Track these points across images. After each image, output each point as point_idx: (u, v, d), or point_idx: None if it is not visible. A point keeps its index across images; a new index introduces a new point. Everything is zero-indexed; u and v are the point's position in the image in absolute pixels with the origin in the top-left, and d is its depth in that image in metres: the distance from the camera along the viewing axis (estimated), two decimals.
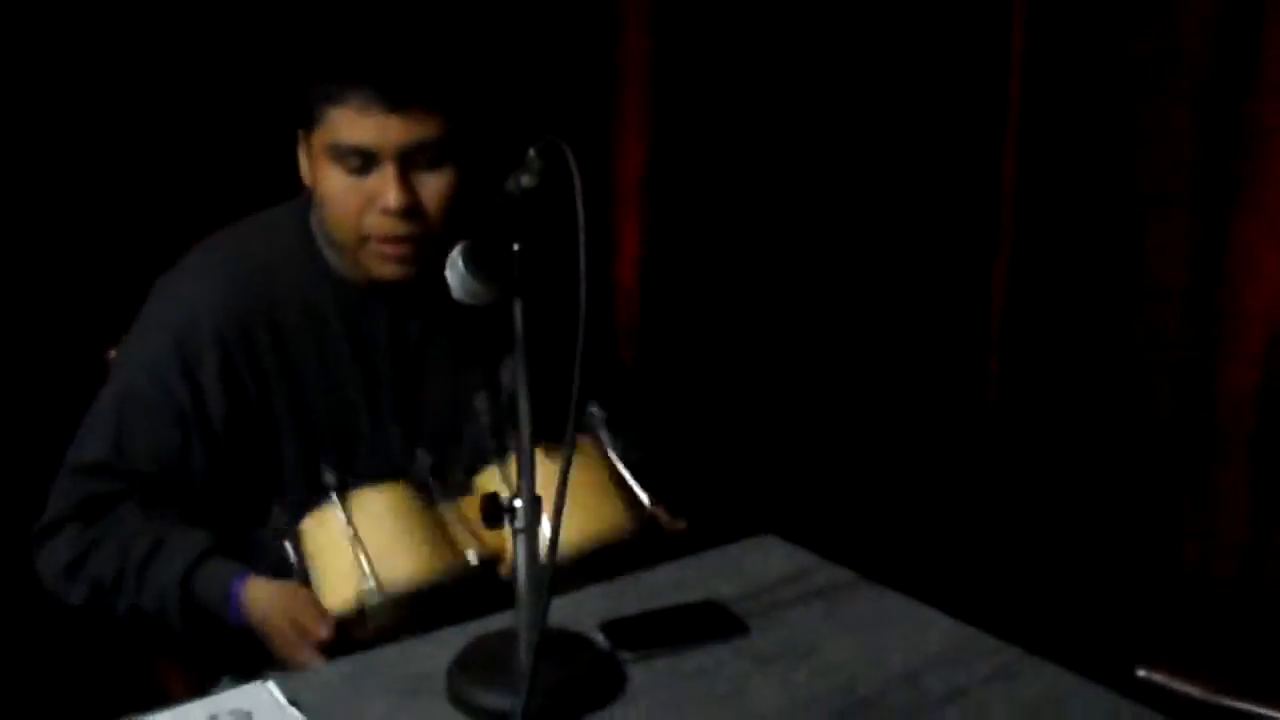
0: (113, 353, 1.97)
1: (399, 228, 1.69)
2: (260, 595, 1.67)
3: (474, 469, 1.76)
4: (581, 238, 1.24)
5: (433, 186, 1.69)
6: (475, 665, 1.43)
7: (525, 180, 1.32)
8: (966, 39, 2.97)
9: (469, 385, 1.83)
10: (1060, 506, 3.01)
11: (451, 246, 1.42)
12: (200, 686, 1.80)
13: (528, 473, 1.38)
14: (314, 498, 1.66)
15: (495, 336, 1.75)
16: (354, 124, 1.66)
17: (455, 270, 1.41)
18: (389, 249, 1.71)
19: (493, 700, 1.38)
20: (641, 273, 2.80)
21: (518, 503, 1.38)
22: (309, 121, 1.70)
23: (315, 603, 1.62)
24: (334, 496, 1.62)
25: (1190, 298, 2.75)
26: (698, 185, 2.83)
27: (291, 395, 1.77)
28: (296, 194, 1.83)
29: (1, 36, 2.17)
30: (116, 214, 2.32)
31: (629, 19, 2.71)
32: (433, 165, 1.69)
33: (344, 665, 1.50)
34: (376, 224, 1.69)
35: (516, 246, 1.35)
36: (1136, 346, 2.87)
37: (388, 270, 1.73)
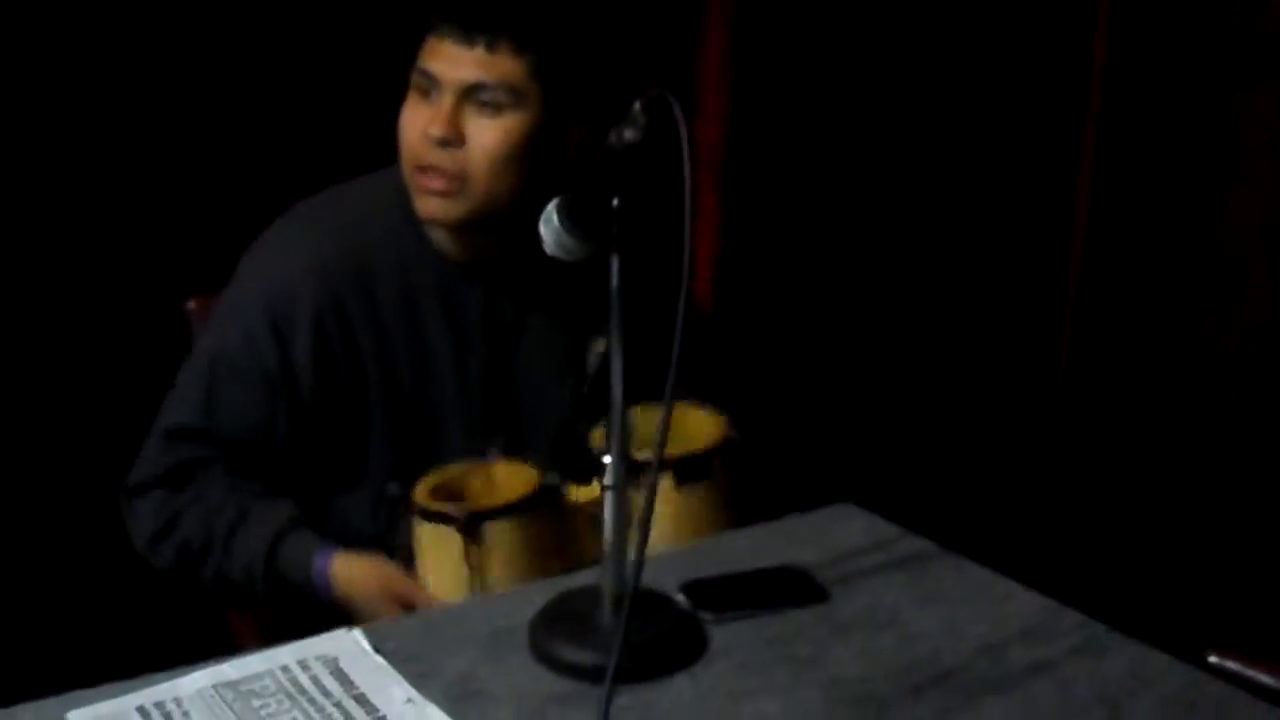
0: (191, 304, 1.98)
1: (434, 157, 1.69)
2: (349, 570, 1.68)
3: (555, 453, 1.78)
4: (688, 194, 1.23)
5: (485, 130, 1.69)
6: (559, 620, 1.43)
7: (629, 135, 1.31)
8: (1050, 19, 2.95)
9: (558, 370, 1.83)
10: (1130, 486, 3.00)
11: (517, 210, 1.41)
12: (267, 634, 1.82)
13: (618, 431, 1.38)
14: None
15: (587, 323, 1.76)
16: (433, 50, 1.69)
17: (550, 225, 1.39)
18: (422, 179, 1.71)
19: (576, 655, 1.38)
20: (718, 241, 2.79)
21: (607, 459, 1.38)
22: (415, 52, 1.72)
23: (406, 575, 1.64)
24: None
25: (1269, 275, 2.74)
26: (776, 158, 2.82)
27: (382, 368, 1.77)
28: (388, 162, 1.83)
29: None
30: (198, 167, 2.32)
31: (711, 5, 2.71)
32: (492, 110, 1.69)
33: (428, 616, 1.51)
34: (421, 149, 1.70)
35: (616, 202, 1.34)
36: (1211, 320, 2.86)
37: (425, 207, 1.73)
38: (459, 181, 1.70)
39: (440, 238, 1.78)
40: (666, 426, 1.27)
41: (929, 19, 2.90)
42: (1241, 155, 2.81)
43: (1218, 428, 2.87)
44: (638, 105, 1.31)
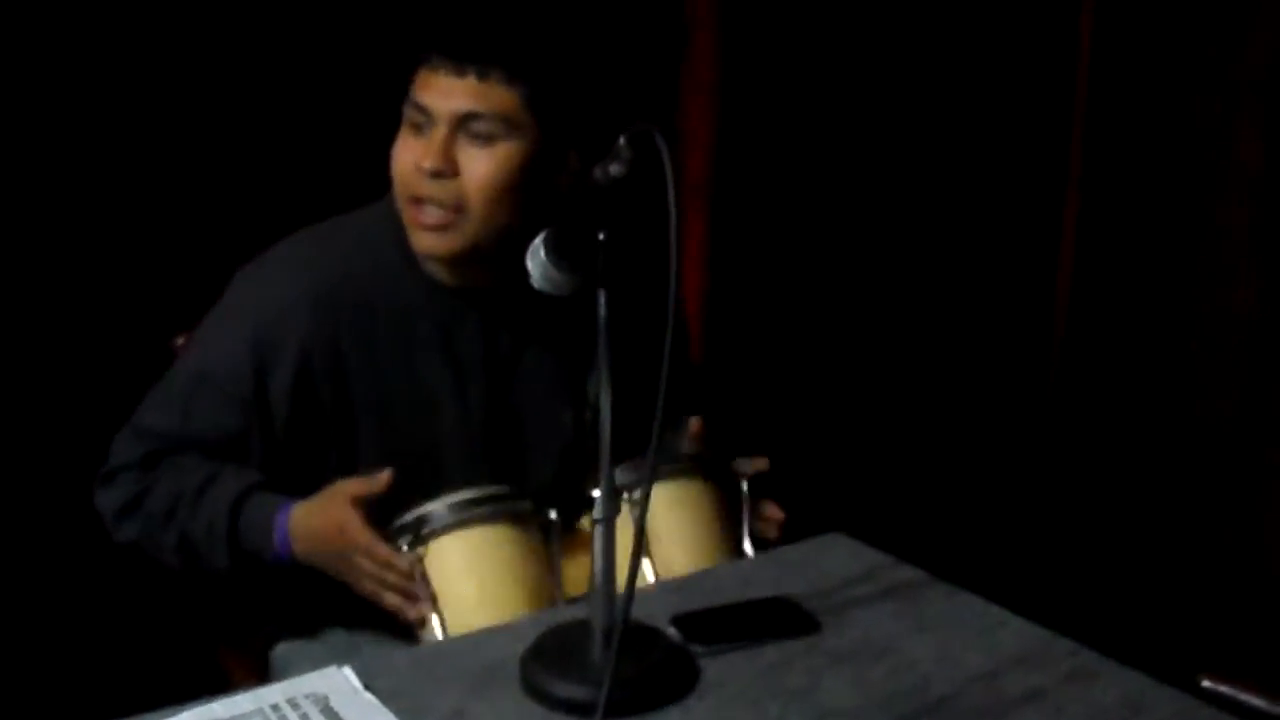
0: (180, 340, 1.98)
1: (428, 188, 1.68)
2: (309, 521, 1.68)
3: (559, 480, 1.79)
4: (673, 227, 1.23)
5: (479, 161, 1.68)
6: (549, 655, 1.43)
7: (614, 169, 1.32)
8: (1037, 30, 2.97)
9: (557, 397, 1.83)
10: (1121, 512, 3.00)
11: (513, 240, 1.42)
12: (261, 672, 1.82)
13: (607, 464, 1.38)
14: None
15: (585, 350, 1.76)
16: (425, 82, 1.69)
17: (536, 259, 1.41)
18: (417, 213, 1.71)
19: (567, 690, 1.37)
20: (706, 271, 2.79)
21: (596, 493, 1.38)
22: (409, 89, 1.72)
23: (354, 514, 1.63)
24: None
25: (1258, 289, 2.75)
26: (761, 185, 2.83)
27: (376, 399, 1.77)
28: (383, 195, 1.83)
29: (86, 27, 2.19)
30: (186, 204, 2.33)
31: (697, 20, 2.71)
32: (485, 140, 1.68)
33: (418, 653, 1.50)
34: (414, 183, 1.70)
35: (602, 236, 1.34)
36: (1201, 350, 2.86)
37: (421, 241, 1.72)
38: (454, 214, 1.69)
39: (435, 268, 1.78)
40: (657, 443, 1.26)
41: (913, 45, 2.92)
42: (1225, 166, 2.82)
43: (1207, 456, 2.88)
44: (623, 140, 1.31)
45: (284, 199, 2.27)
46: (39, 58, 2.17)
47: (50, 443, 2.28)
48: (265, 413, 1.74)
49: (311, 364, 1.74)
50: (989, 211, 3.05)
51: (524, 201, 1.71)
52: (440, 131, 1.68)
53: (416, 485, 1.79)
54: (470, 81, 1.67)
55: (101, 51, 2.21)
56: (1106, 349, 3.03)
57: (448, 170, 1.68)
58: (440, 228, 1.70)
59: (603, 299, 1.35)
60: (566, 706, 1.37)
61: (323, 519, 1.67)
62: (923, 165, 2.98)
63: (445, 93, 1.67)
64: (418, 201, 1.70)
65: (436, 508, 1.64)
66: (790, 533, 1.78)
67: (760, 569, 1.68)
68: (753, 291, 2.87)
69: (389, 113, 1.75)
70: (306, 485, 1.77)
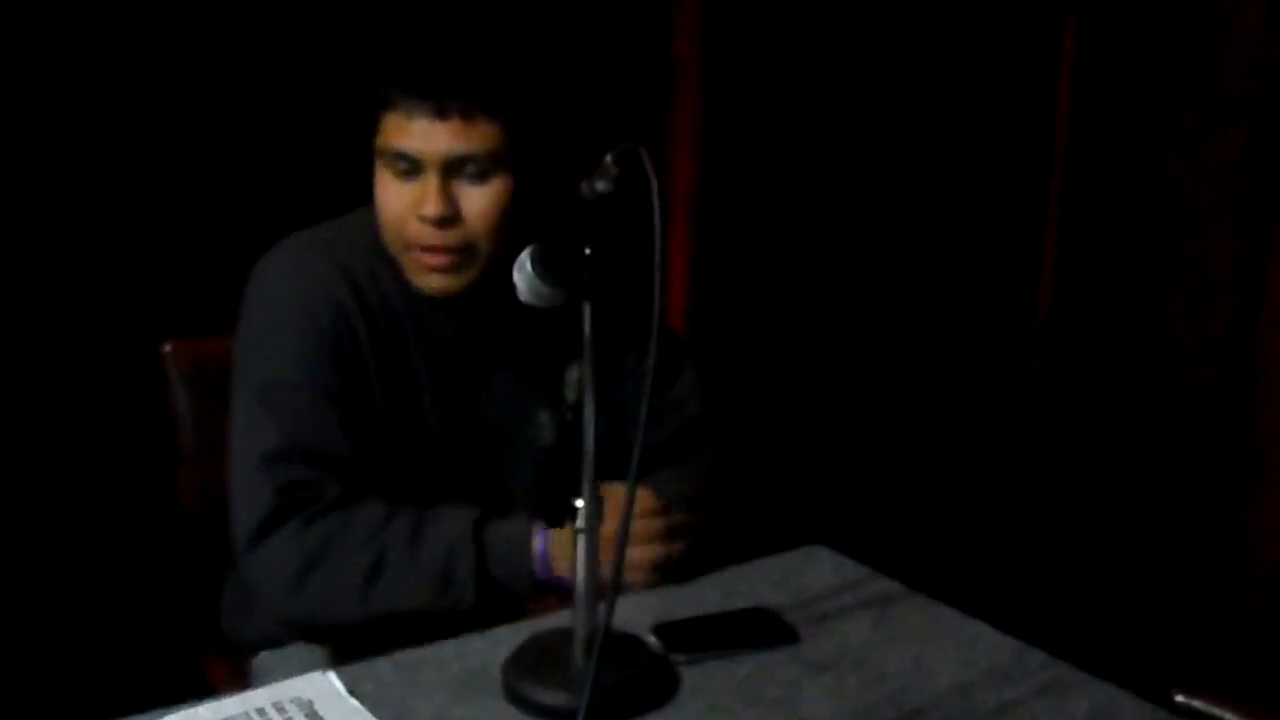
0: (167, 347, 1.99)
1: (435, 237, 1.69)
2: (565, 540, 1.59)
3: (541, 484, 1.78)
4: (658, 243, 1.26)
5: (477, 199, 1.69)
6: (531, 662, 1.45)
7: (601, 185, 1.34)
8: (1019, 43, 3.00)
9: (534, 396, 1.84)
10: (1097, 525, 3.02)
11: (511, 258, 1.44)
12: (243, 679, 1.83)
13: (590, 475, 1.40)
14: None
15: (562, 350, 1.77)
16: (402, 129, 1.66)
17: (523, 272, 1.43)
18: (426, 258, 1.71)
19: (549, 697, 1.39)
20: (690, 283, 2.81)
21: (579, 502, 1.40)
22: (373, 125, 1.71)
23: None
24: None
25: (1235, 301, 2.78)
26: (746, 196, 2.85)
27: (379, 391, 1.77)
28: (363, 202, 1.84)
29: (75, 29, 2.20)
30: (174, 210, 2.34)
31: (680, 28, 2.73)
32: (478, 178, 1.68)
33: (401, 658, 1.51)
34: (416, 231, 1.70)
35: (588, 251, 1.37)
36: (1181, 363, 2.89)
37: (427, 281, 1.73)
38: (464, 254, 1.70)
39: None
40: (637, 462, 1.28)
41: (898, 53, 2.94)
42: (1205, 165, 2.84)
43: (1186, 470, 2.90)
44: (609, 157, 1.33)
45: (267, 204, 2.28)
46: (21, 61, 2.18)
47: (28, 450, 2.28)
48: (337, 398, 1.71)
49: (345, 352, 1.73)
50: (971, 216, 3.08)
51: (521, 224, 1.71)
52: (433, 178, 1.67)
53: (407, 481, 1.80)
54: (455, 124, 1.65)
55: (81, 53, 2.22)
56: (1086, 360, 3.06)
57: (454, 215, 1.68)
58: (451, 268, 1.71)
59: (588, 313, 1.38)
60: (548, 713, 1.38)
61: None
62: (908, 170, 3.00)
63: (429, 137, 1.65)
64: (424, 248, 1.70)
65: None
66: (771, 544, 1.80)
67: (741, 580, 1.70)
68: (737, 299, 2.88)
69: (361, 127, 1.76)
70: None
